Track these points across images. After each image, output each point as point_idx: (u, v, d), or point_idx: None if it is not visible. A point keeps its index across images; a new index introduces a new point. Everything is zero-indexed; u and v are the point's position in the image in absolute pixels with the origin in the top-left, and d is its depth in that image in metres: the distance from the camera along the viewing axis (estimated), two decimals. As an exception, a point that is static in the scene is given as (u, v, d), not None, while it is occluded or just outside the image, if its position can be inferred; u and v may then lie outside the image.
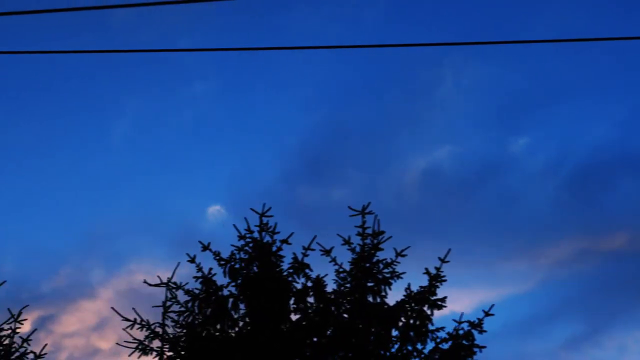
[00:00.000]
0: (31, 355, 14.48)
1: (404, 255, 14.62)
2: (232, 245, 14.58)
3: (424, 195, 26.28)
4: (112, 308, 14.30)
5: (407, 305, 14.07)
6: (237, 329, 13.99)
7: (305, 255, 14.48)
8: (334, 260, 14.59)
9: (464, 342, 13.41)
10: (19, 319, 14.81)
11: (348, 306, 14.14)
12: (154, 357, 14.26)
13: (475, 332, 13.60)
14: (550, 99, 28.52)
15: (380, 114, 28.67)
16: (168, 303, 14.43)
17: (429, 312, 13.75)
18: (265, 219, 14.67)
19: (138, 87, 28.66)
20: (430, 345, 13.95)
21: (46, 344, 14.42)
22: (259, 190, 26.96)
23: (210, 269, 14.28)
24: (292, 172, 27.39)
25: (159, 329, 14.28)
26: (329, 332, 13.84)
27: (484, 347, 13.51)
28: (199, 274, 14.23)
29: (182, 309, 14.21)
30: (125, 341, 14.30)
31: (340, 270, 14.53)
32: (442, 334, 13.90)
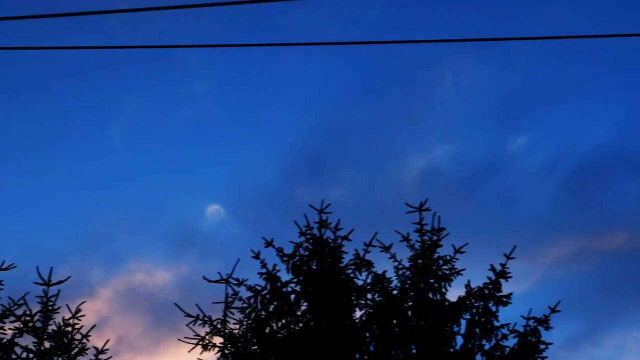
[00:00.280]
0: (93, 351, 14.48)
1: (462, 252, 14.59)
2: (291, 242, 14.61)
3: (423, 194, 26.25)
4: (176, 304, 14.33)
5: (467, 302, 14.02)
6: (300, 325, 13.97)
7: (367, 252, 14.47)
8: (393, 257, 14.58)
9: (531, 339, 13.32)
10: (77, 315, 14.84)
11: (410, 303, 14.10)
12: (215, 354, 14.27)
13: (541, 329, 13.52)
14: (549, 99, 28.47)
15: (379, 113, 28.62)
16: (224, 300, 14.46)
17: (493, 309, 13.68)
18: (324, 216, 14.70)
19: (137, 87, 28.64)
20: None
21: (108, 340, 14.42)
22: (258, 189, 27.19)
23: (275, 265, 14.29)
24: (291, 171, 27.38)
25: (220, 326, 14.30)
26: (391, 328, 13.78)
27: (551, 344, 13.43)
28: (264, 271, 14.23)
29: (245, 305, 14.21)
30: (185, 337, 14.35)
31: (400, 267, 14.51)
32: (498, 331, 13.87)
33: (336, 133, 27.96)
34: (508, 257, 14.03)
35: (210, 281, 14.70)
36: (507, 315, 14.01)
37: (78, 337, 14.52)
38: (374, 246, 14.49)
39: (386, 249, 14.59)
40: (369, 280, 14.34)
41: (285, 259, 14.32)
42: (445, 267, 14.45)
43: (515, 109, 28.46)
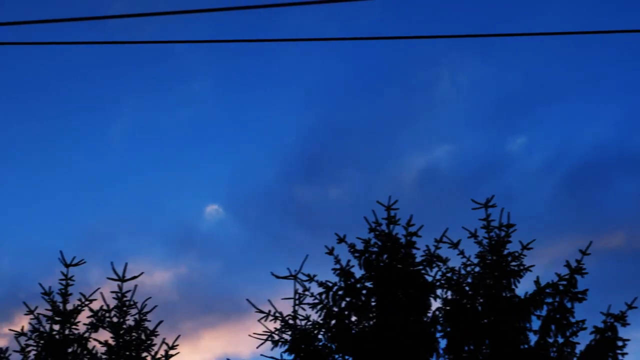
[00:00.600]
0: (162, 347, 14.55)
1: (530, 249, 14.55)
2: (357, 237, 14.61)
3: (422, 194, 26.17)
4: (247, 300, 14.38)
5: (537, 298, 13.96)
6: (372, 322, 13.96)
7: (437, 247, 14.45)
8: (461, 253, 14.54)
9: (608, 335, 13.23)
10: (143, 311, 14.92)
11: (481, 300, 14.06)
12: (284, 351, 14.27)
13: (617, 325, 13.42)
14: (548, 98, 28.24)
15: (378, 113, 28.46)
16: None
17: (568, 305, 13.61)
18: (392, 212, 14.70)
19: (136, 86, 28.63)
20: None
21: (179, 335, 14.49)
22: (257, 189, 27.24)
23: (349, 261, 14.29)
24: (290, 171, 27.37)
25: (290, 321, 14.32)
26: (465, 325, 13.75)
27: (628, 340, 13.34)
28: (337, 266, 14.24)
29: (316, 300, 14.22)
30: (254, 333, 14.38)
31: (468, 263, 14.48)
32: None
33: (335, 133, 27.99)
34: (584, 253, 13.95)
35: (278, 277, 14.73)
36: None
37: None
38: (445, 242, 14.48)
39: (454, 245, 14.56)
40: (437, 277, 14.34)
41: (356, 254, 14.32)
42: (514, 263, 14.42)
43: (515, 109, 28.38)
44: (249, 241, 26.27)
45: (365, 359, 13.70)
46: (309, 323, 14.24)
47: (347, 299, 14.09)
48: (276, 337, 14.23)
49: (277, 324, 14.28)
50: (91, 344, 14.19)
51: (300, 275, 14.48)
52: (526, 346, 13.55)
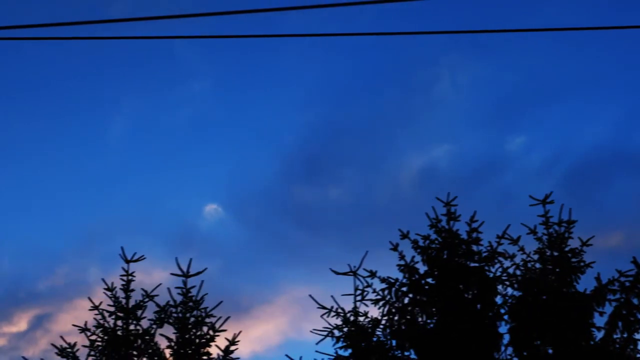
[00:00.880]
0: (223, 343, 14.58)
1: (589, 245, 14.50)
2: (417, 234, 14.59)
3: (421, 194, 26.08)
4: (310, 296, 14.38)
5: (600, 294, 13.89)
6: (435, 318, 13.94)
7: (499, 244, 14.42)
8: (522, 249, 14.51)
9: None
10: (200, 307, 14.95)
11: (544, 297, 14.01)
12: (340, 348, 14.26)
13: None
14: (547, 98, 27.99)
15: (378, 113, 28.33)
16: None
17: (635, 301, 13.53)
18: (452, 208, 14.70)
19: (136, 86, 28.54)
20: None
21: (240, 331, 14.49)
22: (256, 188, 27.17)
23: (413, 257, 14.28)
24: (289, 170, 27.28)
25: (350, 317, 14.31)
26: (530, 321, 13.70)
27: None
28: (402, 262, 14.24)
29: (378, 297, 14.23)
30: (314, 329, 14.39)
31: (528, 259, 14.44)
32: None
33: (335, 132, 27.93)
34: (650, 250, 13.90)
35: (337, 273, 14.75)
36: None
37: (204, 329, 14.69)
38: (507, 238, 14.46)
39: (514, 241, 14.53)
40: (497, 273, 14.31)
41: (418, 250, 14.31)
42: (574, 260, 14.37)
43: (514, 109, 28.24)
44: (248, 241, 26.32)
45: (428, 354, 13.69)
46: (367, 319, 14.26)
47: (410, 295, 14.08)
48: (337, 333, 14.25)
49: (339, 320, 14.30)
50: (155, 339, 14.27)
51: (360, 272, 14.52)
52: (591, 342, 13.48)
